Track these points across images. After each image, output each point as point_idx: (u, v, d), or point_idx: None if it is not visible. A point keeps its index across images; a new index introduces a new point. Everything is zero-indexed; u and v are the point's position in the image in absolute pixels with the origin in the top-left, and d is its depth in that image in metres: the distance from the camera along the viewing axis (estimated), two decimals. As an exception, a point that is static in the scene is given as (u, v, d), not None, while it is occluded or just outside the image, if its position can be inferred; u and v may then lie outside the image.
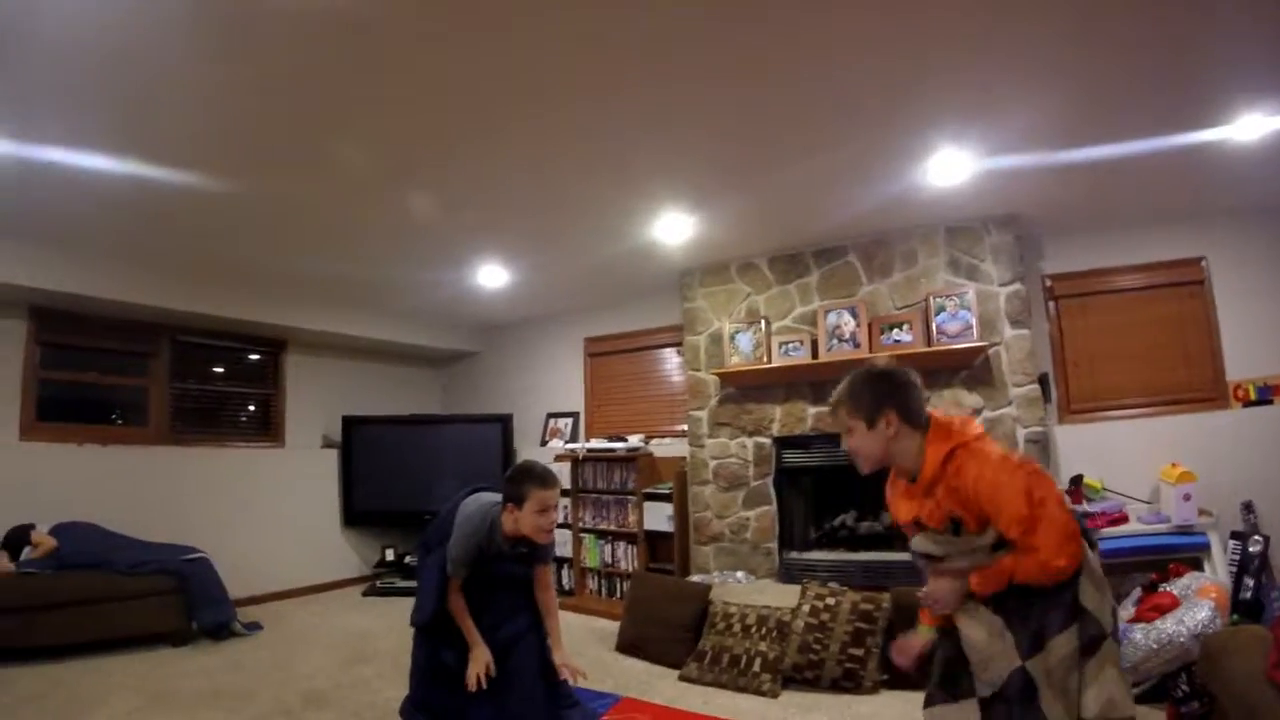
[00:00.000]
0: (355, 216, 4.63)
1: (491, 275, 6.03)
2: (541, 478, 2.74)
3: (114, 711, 3.75)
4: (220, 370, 6.94)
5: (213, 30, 2.57)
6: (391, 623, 5.59)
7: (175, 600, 5.07)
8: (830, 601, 4.07)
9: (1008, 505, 1.84)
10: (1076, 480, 4.41)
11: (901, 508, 2.16)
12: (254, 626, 5.44)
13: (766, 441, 5.48)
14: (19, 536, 4.92)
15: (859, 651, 3.85)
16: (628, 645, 4.70)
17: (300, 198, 4.30)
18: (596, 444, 6.39)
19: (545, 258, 5.63)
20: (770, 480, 5.45)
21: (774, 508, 5.43)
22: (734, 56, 2.86)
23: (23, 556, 4.82)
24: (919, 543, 2.11)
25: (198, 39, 2.61)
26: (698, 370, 5.86)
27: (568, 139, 3.56)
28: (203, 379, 6.75)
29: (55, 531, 5.05)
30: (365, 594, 6.86)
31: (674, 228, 4.85)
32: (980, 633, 1.99)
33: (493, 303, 7.05)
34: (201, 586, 5.19)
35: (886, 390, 2.05)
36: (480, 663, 2.77)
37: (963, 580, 2.00)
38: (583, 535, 6.34)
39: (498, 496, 2.86)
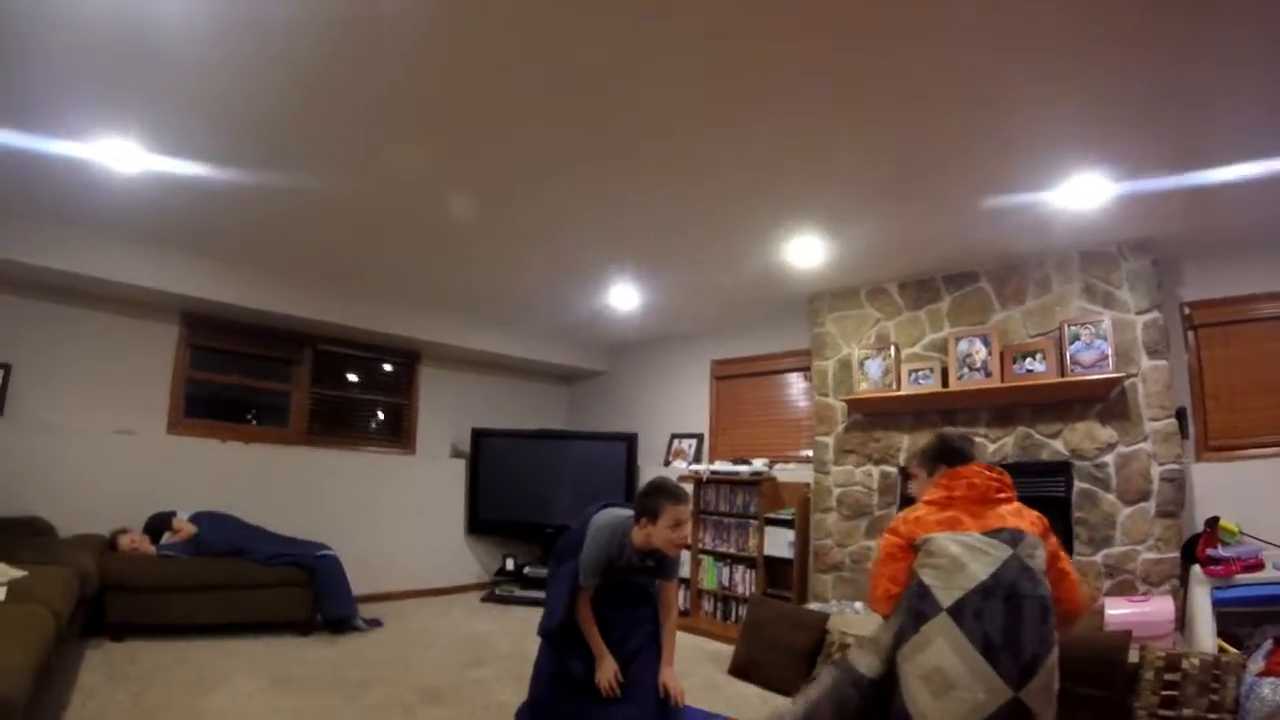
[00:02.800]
0: (496, 235, 5.10)
1: (623, 296, 6.45)
2: (674, 494, 3.01)
3: (237, 690, 4.08)
4: (356, 379, 7.64)
5: (346, 40, 2.88)
6: (509, 629, 5.97)
7: (304, 593, 5.52)
8: (949, 640, 4.13)
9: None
10: (1212, 523, 4.27)
11: None
12: (374, 623, 5.86)
13: (893, 470, 5.61)
14: (161, 521, 5.53)
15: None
16: (740, 669, 4.84)
17: (441, 214, 4.75)
18: (720, 466, 6.66)
19: (677, 280, 6.00)
20: (895, 510, 5.52)
21: (897, 539, 5.51)
22: (874, 89, 3.10)
23: (163, 540, 5.38)
24: None
25: (327, 48, 2.94)
26: (825, 396, 6.05)
27: (708, 163, 3.87)
28: (341, 386, 7.47)
29: (195, 519, 5.61)
30: (484, 600, 7.32)
31: (805, 251, 5.11)
32: None
33: (623, 323, 7.49)
34: (330, 582, 5.64)
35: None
36: (609, 671, 3.06)
37: None
38: (702, 557, 6.60)
39: (628, 511, 3.15)
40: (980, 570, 2.51)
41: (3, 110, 3.47)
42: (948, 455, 2.97)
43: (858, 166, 3.88)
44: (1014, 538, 2.59)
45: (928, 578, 2.60)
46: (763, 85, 3.12)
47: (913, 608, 2.61)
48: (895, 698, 2.59)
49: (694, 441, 7.65)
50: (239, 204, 4.60)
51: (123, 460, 5.77)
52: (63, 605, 3.63)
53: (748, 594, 6.16)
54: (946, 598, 2.52)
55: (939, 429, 2.95)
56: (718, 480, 6.62)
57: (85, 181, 4.26)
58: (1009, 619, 2.43)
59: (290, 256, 5.78)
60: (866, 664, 2.69)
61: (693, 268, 5.66)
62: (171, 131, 3.68)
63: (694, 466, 6.99)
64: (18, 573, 3.74)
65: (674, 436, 7.87)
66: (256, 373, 6.91)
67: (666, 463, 7.68)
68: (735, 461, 6.64)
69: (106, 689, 3.92)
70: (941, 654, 2.46)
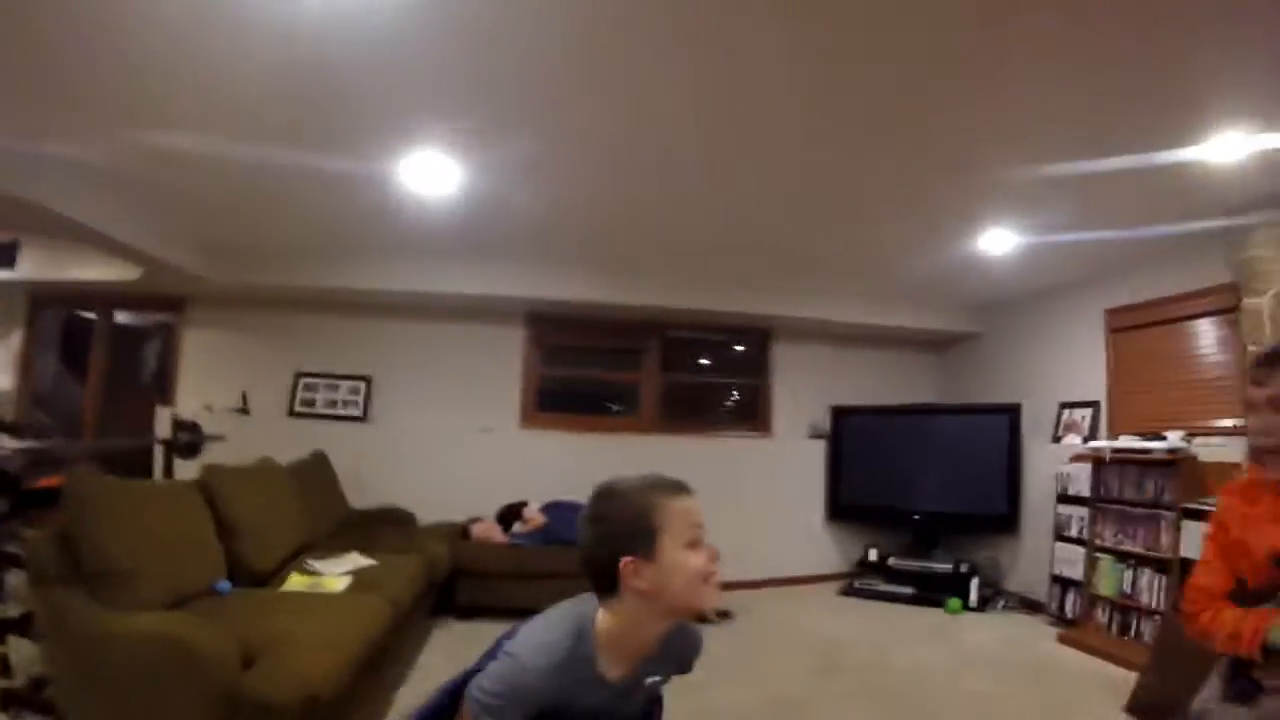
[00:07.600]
0: (851, 192, 4.86)
1: (995, 240, 5.68)
2: (674, 483, 1.69)
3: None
4: (707, 362, 7.86)
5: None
6: (867, 631, 5.81)
7: (650, 582, 5.75)
8: None
9: None
10: None
11: (1270, 532, 1.87)
12: (724, 614, 5.89)
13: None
14: (512, 512, 6.12)
15: None
16: (1147, 708, 3.98)
17: (794, 181, 4.66)
18: (1126, 442, 5.63)
19: (1063, 210, 5.02)
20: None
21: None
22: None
23: (514, 529, 5.96)
24: None
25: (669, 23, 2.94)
26: (1258, 344, 4.72)
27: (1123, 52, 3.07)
28: (691, 370, 7.76)
29: (546, 509, 6.13)
30: (841, 593, 7.07)
31: (1229, 149, 3.90)
32: None
33: (995, 274, 6.62)
34: None
35: None
36: None
37: None
38: (1099, 555, 5.65)
39: (582, 597, 1.82)
40: None
41: (340, 144, 4.08)
42: None
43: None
44: None
45: None
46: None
47: None
48: None
49: (1088, 412, 6.49)
50: (575, 207, 4.98)
51: (478, 455, 6.61)
52: (403, 594, 4.27)
53: (1156, 606, 5.10)
54: None
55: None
56: (1121, 460, 5.60)
57: (416, 208, 5.03)
58: None
59: (630, 248, 6.10)
60: None
61: (1083, 190, 4.61)
62: (498, 148, 4.06)
63: (1091, 443, 5.99)
64: (367, 562, 4.58)
65: (1063, 406, 6.75)
66: (604, 365, 7.46)
67: (1056, 438, 6.63)
68: (1145, 436, 5.52)
69: (444, 669, 4.19)
70: None
